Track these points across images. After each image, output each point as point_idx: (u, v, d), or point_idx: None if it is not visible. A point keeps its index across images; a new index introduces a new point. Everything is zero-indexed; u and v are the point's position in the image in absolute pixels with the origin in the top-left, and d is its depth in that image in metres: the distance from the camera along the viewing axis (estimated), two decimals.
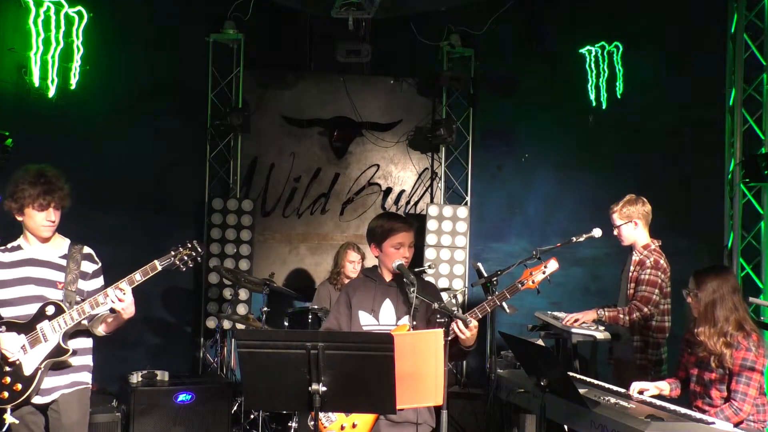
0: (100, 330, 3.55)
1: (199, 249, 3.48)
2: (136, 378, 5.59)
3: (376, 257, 3.64)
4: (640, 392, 3.84)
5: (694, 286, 3.70)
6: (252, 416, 5.85)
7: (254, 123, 7.05)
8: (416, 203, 7.40)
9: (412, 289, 3.29)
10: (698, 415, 3.45)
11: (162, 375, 5.71)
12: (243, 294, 6.72)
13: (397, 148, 7.36)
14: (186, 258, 3.44)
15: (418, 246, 6.88)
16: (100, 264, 3.62)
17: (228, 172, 7.11)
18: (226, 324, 6.51)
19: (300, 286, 6.86)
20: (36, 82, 5.51)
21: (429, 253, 6.99)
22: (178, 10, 6.66)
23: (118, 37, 6.18)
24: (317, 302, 5.88)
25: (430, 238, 7.01)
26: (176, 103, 6.71)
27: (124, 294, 3.34)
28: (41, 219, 3.41)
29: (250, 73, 7.06)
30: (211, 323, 6.77)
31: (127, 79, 6.29)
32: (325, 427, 3.35)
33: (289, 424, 5.14)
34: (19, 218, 3.45)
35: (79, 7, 5.63)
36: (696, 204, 5.95)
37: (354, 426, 3.32)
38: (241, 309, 6.67)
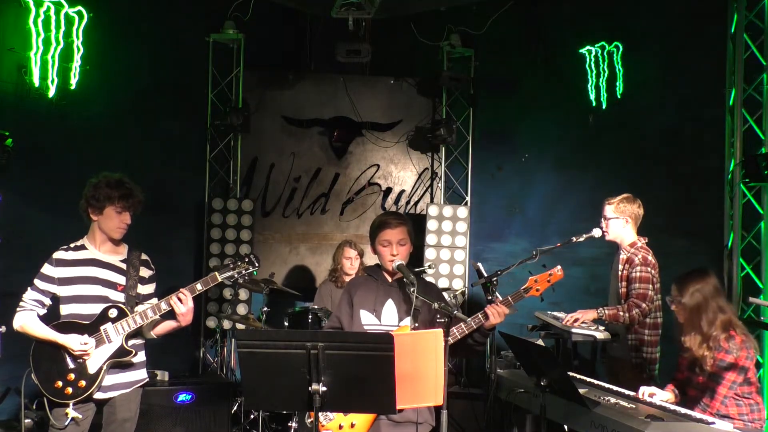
0: (151, 333, 3.76)
1: (257, 263, 3.70)
2: None
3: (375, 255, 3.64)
4: (650, 396, 3.83)
5: (677, 293, 3.72)
6: (252, 416, 5.86)
7: (254, 123, 7.05)
8: (416, 203, 7.40)
9: (412, 289, 3.28)
10: (698, 415, 3.46)
11: (162, 375, 5.70)
12: (243, 294, 6.71)
13: (397, 148, 7.37)
14: (243, 271, 3.67)
15: (418, 246, 6.90)
16: (155, 270, 3.85)
17: (228, 172, 7.11)
18: (226, 324, 6.51)
19: (300, 286, 6.85)
20: (36, 82, 5.51)
21: (429, 253, 6.99)
22: (178, 10, 6.67)
23: (118, 37, 6.17)
24: (319, 301, 5.88)
25: (430, 238, 7.00)
26: (176, 103, 6.71)
27: (186, 298, 3.57)
28: (118, 221, 3.66)
29: (250, 73, 7.06)
30: (211, 323, 6.78)
31: (127, 79, 6.28)
32: (323, 426, 3.35)
33: (289, 424, 5.14)
34: (95, 218, 3.66)
35: (79, 7, 5.62)
36: (696, 204, 5.95)
37: (352, 425, 3.32)
38: (241, 309, 6.67)
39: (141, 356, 3.78)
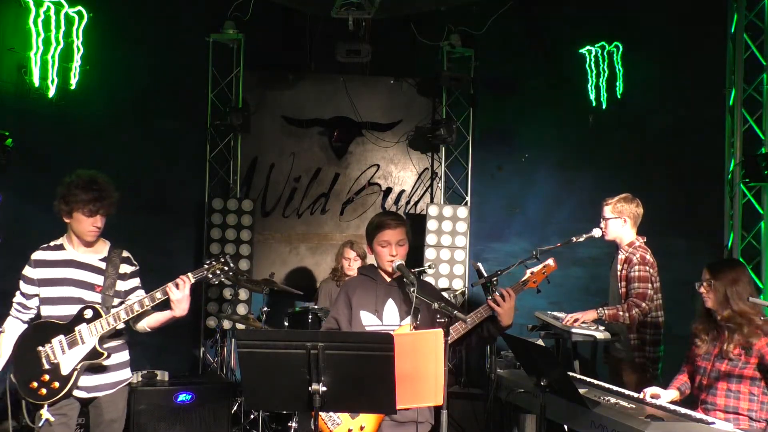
0: (144, 326, 3.71)
1: (231, 264, 3.61)
2: (136, 378, 5.58)
3: (372, 256, 3.64)
4: (654, 398, 3.82)
5: (709, 276, 3.70)
6: (252, 416, 5.86)
7: (254, 123, 7.05)
8: (416, 203, 7.40)
9: (412, 289, 3.28)
10: (698, 415, 3.45)
11: (162, 375, 5.70)
12: (243, 294, 6.72)
13: (397, 148, 7.37)
14: (218, 271, 3.58)
15: (419, 246, 6.90)
16: (138, 266, 3.78)
17: (228, 172, 7.11)
18: (226, 324, 6.51)
19: (300, 286, 6.84)
20: (36, 82, 5.51)
21: (429, 253, 6.99)
22: (178, 10, 6.66)
23: (118, 37, 6.17)
24: (320, 301, 5.89)
25: (430, 238, 7.00)
26: (176, 103, 6.71)
27: (184, 284, 3.48)
28: (88, 224, 3.54)
29: (250, 73, 7.06)
30: (211, 323, 6.78)
31: (127, 79, 6.29)
32: (330, 431, 3.35)
33: (289, 424, 5.14)
34: (67, 220, 3.58)
35: (79, 7, 5.63)
36: (696, 204, 5.95)
37: (361, 429, 3.31)
38: (241, 309, 6.67)
39: (125, 355, 3.73)
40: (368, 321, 3.51)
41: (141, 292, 3.70)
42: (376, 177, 7.35)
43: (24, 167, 5.36)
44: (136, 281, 3.74)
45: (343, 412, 3.32)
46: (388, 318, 3.50)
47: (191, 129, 6.97)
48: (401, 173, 7.40)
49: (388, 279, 3.58)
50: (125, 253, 3.73)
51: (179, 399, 5.55)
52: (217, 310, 6.76)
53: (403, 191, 7.40)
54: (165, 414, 5.48)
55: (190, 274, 3.55)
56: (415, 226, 6.95)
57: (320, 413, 3.29)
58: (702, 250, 5.80)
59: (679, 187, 6.00)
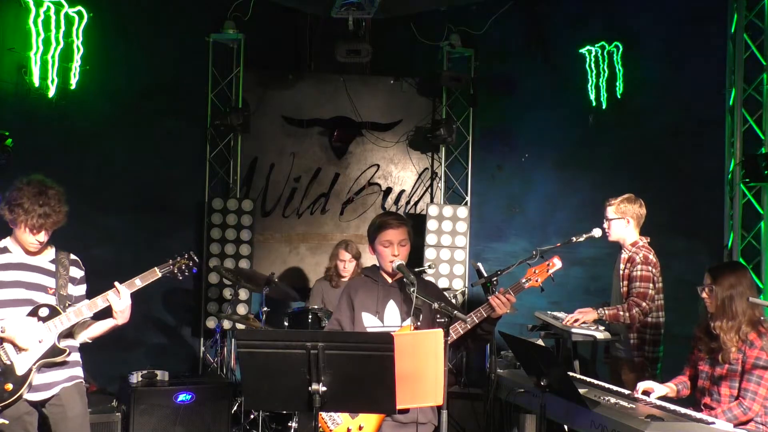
0: (82, 336, 3.60)
1: (196, 259, 3.69)
2: (136, 378, 5.58)
3: (374, 256, 3.64)
4: (646, 392, 3.82)
5: (710, 281, 3.70)
6: (252, 416, 5.85)
7: (254, 123, 7.04)
8: (416, 203, 7.40)
9: (412, 289, 3.28)
10: (698, 414, 3.45)
11: (162, 375, 5.70)
12: (243, 294, 6.71)
13: (397, 148, 7.36)
14: (183, 267, 3.66)
15: (419, 246, 6.90)
16: (85, 271, 3.68)
17: (228, 172, 7.11)
18: (226, 324, 6.51)
19: (300, 286, 6.86)
20: (36, 82, 5.51)
21: (429, 253, 6.99)
22: (178, 10, 6.66)
23: (118, 37, 6.18)
24: (312, 299, 5.92)
25: (430, 238, 7.01)
26: (176, 103, 6.70)
27: (120, 297, 3.44)
28: (31, 239, 3.44)
29: (250, 73, 7.05)
30: (211, 323, 6.77)
31: (127, 79, 6.29)
32: (330, 430, 3.35)
33: (289, 424, 5.14)
34: (11, 226, 3.48)
35: (79, 7, 5.63)
36: (696, 204, 5.95)
37: (360, 428, 3.32)
38: (241, 309, 6.67)
39: (75, 356, 3.62)
40: (369, 322, 3.52)
41: (86, 302, 3.56)
42: (376, 177, 7.35)
43: (24, 167, 5.33)
44: (83, 288, 3.65)
45: (343, 412, 3.33)
46: (389, 319, 3.51)
47: (191, 129, 6.96)
48: (401, 173, 7.40)
49: (390, 280, 3.58)
50: (73, 256, 3.65)
51: (179, 399, 5.55)
52: (217, 310, 6.76)
53: (403, 191, 7.40)
54: (165, 414, 5.48)
55: (156, 269, 3.58)
56: (415, 226, 6.91)
57: (320, 413, 3.31)
58: (702, 250, 5.80)
59: (678, 187, 5.99)
